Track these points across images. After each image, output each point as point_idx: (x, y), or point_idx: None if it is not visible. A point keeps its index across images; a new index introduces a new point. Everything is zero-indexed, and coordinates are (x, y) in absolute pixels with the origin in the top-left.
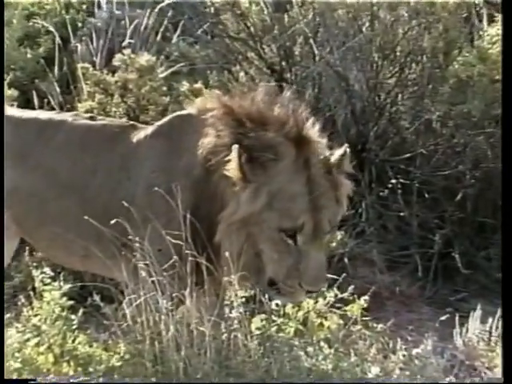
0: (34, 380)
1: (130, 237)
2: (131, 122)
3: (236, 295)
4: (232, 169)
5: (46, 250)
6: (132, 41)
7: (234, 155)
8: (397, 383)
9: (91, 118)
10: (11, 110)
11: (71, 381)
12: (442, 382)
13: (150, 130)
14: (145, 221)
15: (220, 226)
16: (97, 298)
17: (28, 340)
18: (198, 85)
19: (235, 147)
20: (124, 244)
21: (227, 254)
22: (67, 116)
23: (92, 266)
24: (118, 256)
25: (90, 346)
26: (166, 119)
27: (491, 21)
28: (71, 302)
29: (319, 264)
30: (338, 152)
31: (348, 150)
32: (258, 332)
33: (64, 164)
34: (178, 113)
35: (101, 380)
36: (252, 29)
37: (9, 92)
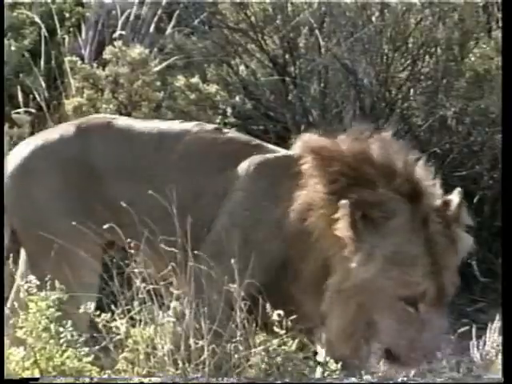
0: (36, 379)
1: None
2: (257, 142)
3: (240, 308)
4: (341, 228)
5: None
6: (123, 32)
7: (344, 212)
8: (394, 383)
9: (216, 130)
10: (126, 120)
11: (73, 380)
12: (441, 382)
13: (256, 161)
14: (218, 256)
15: (327, 293)
16: (91, 307)
17: (12, 354)
18: (195, 79)
19: (345, 203)
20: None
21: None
22: (190, 126)
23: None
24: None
25: (79, 361)
26: (271, 156)
27: None
28: (59, 313)
29: (443, 332)
30: (453, 201)
31: (462, 195)
32: (260, 346)
33: (175, 180)
34: (284, 152)
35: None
36: (253, 18)
37: None
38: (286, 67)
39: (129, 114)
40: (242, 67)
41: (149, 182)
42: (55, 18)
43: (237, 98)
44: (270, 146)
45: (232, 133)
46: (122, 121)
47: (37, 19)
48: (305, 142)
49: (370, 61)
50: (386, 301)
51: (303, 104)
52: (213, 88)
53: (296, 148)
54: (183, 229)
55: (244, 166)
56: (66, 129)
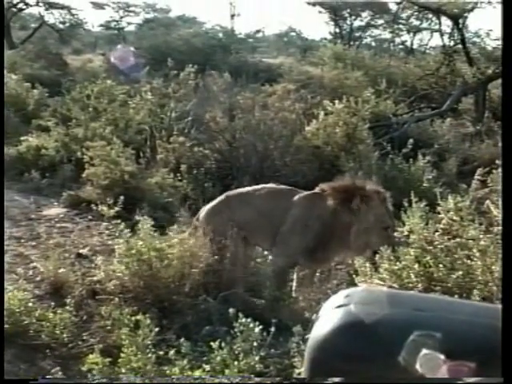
0: (35, 380)
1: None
2: (291, 187)
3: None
4: (358, 207)
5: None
6: (176, 132)
7: (357, 201)
8: (396, 383)
9: (279, 185)
10: (238, 189)
11: (70, 381)
12: (442, 382)
13: (301, 196)
14: (289, 233)
15: (352, 235)
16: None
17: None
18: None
19: (356, 199)
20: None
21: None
22: (268, 184)
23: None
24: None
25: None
26: (307, 193)
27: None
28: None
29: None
30: (384, 194)
31: (385, 193)
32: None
33: (261, 206)
34: (313, 191)
35: (99, 380)
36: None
37: (128, 150)
38: (232, 145)
39: (181, 157)
40: (217, 146)
41: (251, 206)
42: (154, 129)
43: (215, 154)
44: (300, 190)
45: (285, 186)
46: (239, 189)
47: (146, 127)
48: (322, 186)
49: (260, 146)
50: (378, 231)
51: (239, 159)
52: (206, 151)
53: (316, 189)
54: (271, 225)
55: (295, 199)
56: (226, 195)
